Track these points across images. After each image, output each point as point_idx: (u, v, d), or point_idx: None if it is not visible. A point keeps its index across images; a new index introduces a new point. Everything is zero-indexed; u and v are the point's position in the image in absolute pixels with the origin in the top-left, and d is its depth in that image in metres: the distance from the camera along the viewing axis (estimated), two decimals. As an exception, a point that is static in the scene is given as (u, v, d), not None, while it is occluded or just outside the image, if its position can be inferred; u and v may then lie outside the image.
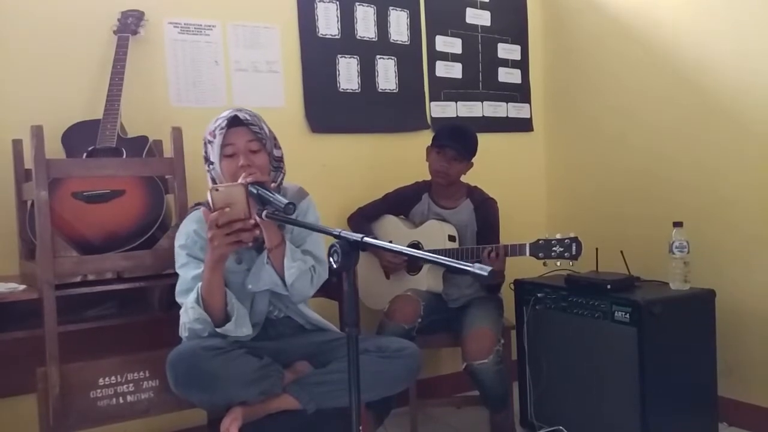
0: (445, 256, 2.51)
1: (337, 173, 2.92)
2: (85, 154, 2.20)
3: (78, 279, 2.01)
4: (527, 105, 3.46)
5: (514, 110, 3.42)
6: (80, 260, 2.00)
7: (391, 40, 3.07)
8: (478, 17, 3.30)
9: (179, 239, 1.99)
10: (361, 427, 1.38)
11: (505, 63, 3.39)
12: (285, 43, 2.82)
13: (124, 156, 2.22)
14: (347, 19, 2.96)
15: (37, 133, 1.94)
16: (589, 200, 3.26)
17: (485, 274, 1.10)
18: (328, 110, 2.91)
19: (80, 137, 2.25)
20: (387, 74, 3.06)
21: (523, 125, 3.46)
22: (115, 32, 2.41)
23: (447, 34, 3.21)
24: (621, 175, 3.09)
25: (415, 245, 2.64)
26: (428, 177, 2.72)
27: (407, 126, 3.10)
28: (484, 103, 3.32)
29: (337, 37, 2.94)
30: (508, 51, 3.39)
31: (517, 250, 2.42)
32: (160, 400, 2.05)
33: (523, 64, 3.44)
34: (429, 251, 2.57)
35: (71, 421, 1.94)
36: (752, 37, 2.54)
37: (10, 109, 2.31)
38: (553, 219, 3.47)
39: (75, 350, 2.00)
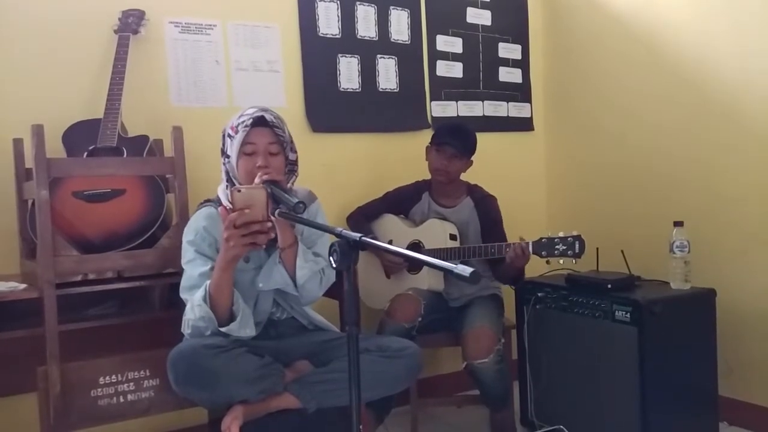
0: (447, 255, 2.54)
1: (338, 172, 2.92)
2: (85, 154, 2.20)
3: (79, 278, 2.01)
4: (528, 104, 3.46)
5: (515, 110, 3.42)
6: (81, 259, 2.00)
7: (392, 40, 3.07)
8: (478, 17, 3.30)
9: (188, 234, 1.98)
10: (361, 426, 1.39)
11: (506, 62, 3.39)
12: (286, 42, 2.82)
13: (125, 155, 2.22)
14: (348, 19, 2.96)
15: (38, 132, 1.94)
16: (589, 199, 3.26)
17: (467, 275, 1.10)
18: (328, 110, 2.91)
19: (81, 136, 2.25)
20: (388, 74, 3.06)
21: (524, 125, 3.46)
22: (115, 31, 2.42)
23: (448, 34, 3.21)
24: (621, 175, 3.09)
25: (416, 244, 2.64)
26: (428, 176, 2.72)
27: (408, 125, 3.11)
28: (485, 102, 3.32)
29: (337, 36, 2.94)
30: (508, 50, 3.39)
31: None
32: (160, 399, 2.05)
33: (523, 64, 3.44)
34: (430, 250, 2.57)
35: (72, 420, 1.94)
36: (752, 36, 2.54)
37: (11, 108, 2.31)
38: (553, 218, 3.47)
39: (75, 349, 2.01)
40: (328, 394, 1.89)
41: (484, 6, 3.31)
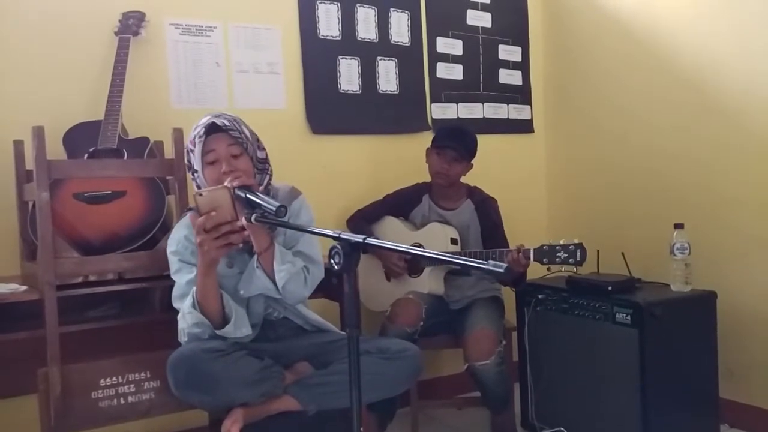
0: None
1: (338, 174, 2.92)
2: (86, 155, 2.20)
3: (79, 280, 2.01)
4: (528, 106, 3.46)
5: (515, 112, 3.42)
6: (81, 261, 2.00)
7: (392, 42, 3.07)
8: (478, 19, 3.30)
9: (171, 246, 1.98)
10: (362, 428, 1.38)
11: (506, 64, 3.39)
12: (286, 44, 2.83)
13: (125, 157, 2.22)
14: (348, 21, 2.96)
15: (39, 134, 1.94)
16: (590, 202, 3.26)
17: (501, 270, 1.08)
18: (329, 111, 2.91)
19: (81, 138, 2.25)
20: (388, 75, 3.06)
21: (524, 127, 3.46)
22: (116, 33, 2.42)
23: (448, 36, 3.21)
24: (622, 177, 3.09)
25: (417, 248, 2.63)
26: (428, 178, 2.72)
27: (408, 127, 3.10)
28: (485, 104, 3.32)
29: (338, 38, 2.94)
30: (508, 52, 3.39)
31: None
32: (161, 400, 2.04)
33: (523, 66, 3.44)
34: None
35: (72, 422, 1.94)
36: (753, 36, 2.54)
37: (11, 109, 2.31)
38: (553, 220, 3.47)
39: (76, 351, 2.00)
40: (329, 396, 1.89)
41: (484, 8, 3.31)
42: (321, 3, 2.89)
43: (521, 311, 2.68)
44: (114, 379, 2.00)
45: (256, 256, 1.91)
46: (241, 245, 1.82)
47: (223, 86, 2.69)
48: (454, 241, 2.60)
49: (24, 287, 2.00)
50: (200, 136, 1.90)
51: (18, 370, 2.05)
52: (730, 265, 2.63)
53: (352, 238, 1.30)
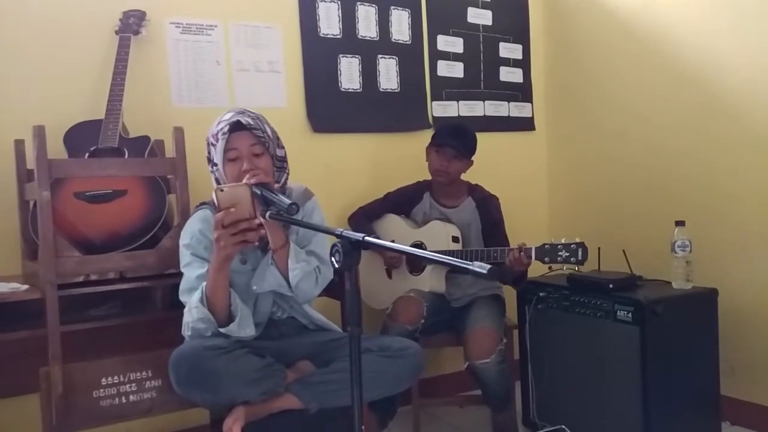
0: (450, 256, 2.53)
1: (339, 173, 2.92)
2: (87, 154, 2.20)
3: (80, 279, 2.01)
4: (529, 104, 3.46)
5: (516, 109, 3.41)
6: (83, 260, 2.00)
7: (393, 40, 3.07)
8: (479, 16, 3.30)
9: (184, 238, 1.99)
10: (363, 427, 1.38)
11: (507, 62, 3.38)
12: (286, 42, 2.82)
13: (126, 156, 2.22)
14: (349, 19, 2.96)
15: (39, 133, 1.94)
16: (591, 199, 3.26)
17: (484, 272, 1.10)
18: (329, 110, 2.91)
19: (82, 137, 2.25)
20: (389, 74, 3.06)
21: (525, 124, 3.46)
22: (116, 32, 2.42)
23: (448, 34, 3.21)
24: (623, 174, 3.08)
25: (418, 246, 2.64)
26: (429, 176, 2.72)
27: (409, 125, 3.10)
28: (486, 102, 3.32)
29: (338, 36, 2.94)
30: (509, 50, 3.39)
31: None
32: (162, 399, 2.05)
33: (524, 64, 3.44)
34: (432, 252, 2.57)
35: (74, 421, 1.94)
36: (755, 34, 2.54)
37: (12, 109, 2.32)
38: (555, 218, 3.47)
39: (78, 350, 2.01)
40: (330, 394, 1.89)
41: (484, 6, 3.30)
42: (321, 1, 2.89)
43: (522, 309, 2.68)
44: (115, 378, 2.00)
45: (270, 253, 1.93)
46: (257, 243, 1.83)
47: (224, 85, 2.69)
48: (455, 239, 2.60)
49: (25, 286, 2.00)
50: (224, 133, 1.91)
51: (20, 369, 2.05)
52: (732, 262, 2.63)
53: (352, 237, 1.30)
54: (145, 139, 2.31)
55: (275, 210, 1.72)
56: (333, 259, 1.31)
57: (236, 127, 1.93)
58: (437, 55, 3.18)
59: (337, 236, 1.35)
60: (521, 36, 3.43)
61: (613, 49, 3.11)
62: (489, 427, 2.68)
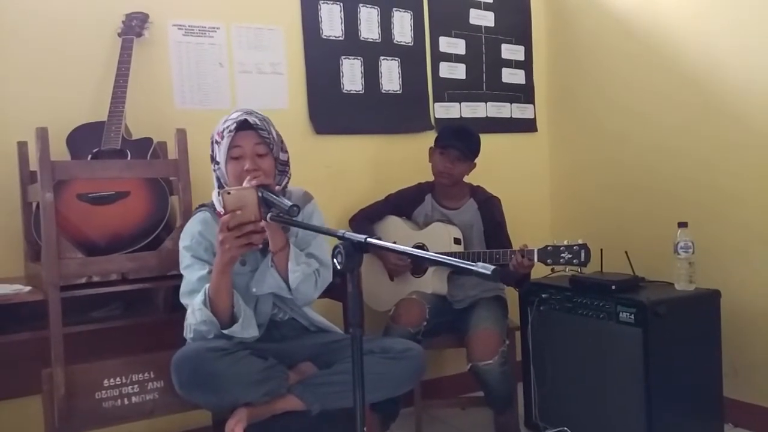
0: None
1: (342, 174, 2.92)
2: (89, 156, 2.20)
3: (83, 280, 2.01)
4: (531, 105, 3.46)
5: (518, 111, 3.41)
6: (85, 262, 2.00)
7: (395, 41, 3.07)
8: (481, 18, 3.30)
9: (184, 240, 1.99)
10: (365, 428, 1.38)
11: (509, 64, 3.38)
12: (289, 44, 2.83)
13: (129, 158, 2.22)
14: (351, 21, 2.96)
15: (42, 135, 1.94)
16: (593, 201, 3.26)
17: (488, 273, 1.09)
18: (331, 111, 2.92)
19: (85, 139, 2.25)
20: (391, 75, 3.06)
21: (527, 126, 3.46)
22: (119, 34, 2.42)
23: (451, 35, 3.21)
24: (625, 176, 3.08)
25: (420, 248, 2.63)
26: (431, 178, 2.72)
27: (411, 127, 3.10)
28: (488, 103, 3.32)
29: (340, 38, 2.94)
30: (511, 52, 3.39)
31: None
32: (164, 401, 2.05)
33: (526, 65, 3.44)
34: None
35: (76, 423, 1.94)
36: (755, 34, 2.54)
37: (15, 111, 2.32)
38: (557, 219, 3.47)
39: (80, 351, 2.01)
40: (332, 395, 1.89)
41: (487, 7, 3.31)
42: (323, 3, 2.89)
43: (524, 311, 2.67)
44: (118, 379, 2.00)
45: (270, 255, 1.93)
46: (260, 246, 1.83)
47: (227, 87, 2.70)
48: (457, 241, 2.60)
49: (28, 288, 2.00)
50: (230, 131, 1.92)
51: (22, 370, 2.06)
52: (734, 264, 2.62)
53: (354, 238, 1.30)
54: (147, 141, 2.31)
55: (276, 212, 1.72)
56: (335, 260, 1.31)
57: (243, 125, 1.93)
58: (439, 56, 3.18)
59: (340, 238, 1.34)
60: (523, 37, 3.43)
61: (615, 51, 3.11)
62: (491, 429, 2.68)
